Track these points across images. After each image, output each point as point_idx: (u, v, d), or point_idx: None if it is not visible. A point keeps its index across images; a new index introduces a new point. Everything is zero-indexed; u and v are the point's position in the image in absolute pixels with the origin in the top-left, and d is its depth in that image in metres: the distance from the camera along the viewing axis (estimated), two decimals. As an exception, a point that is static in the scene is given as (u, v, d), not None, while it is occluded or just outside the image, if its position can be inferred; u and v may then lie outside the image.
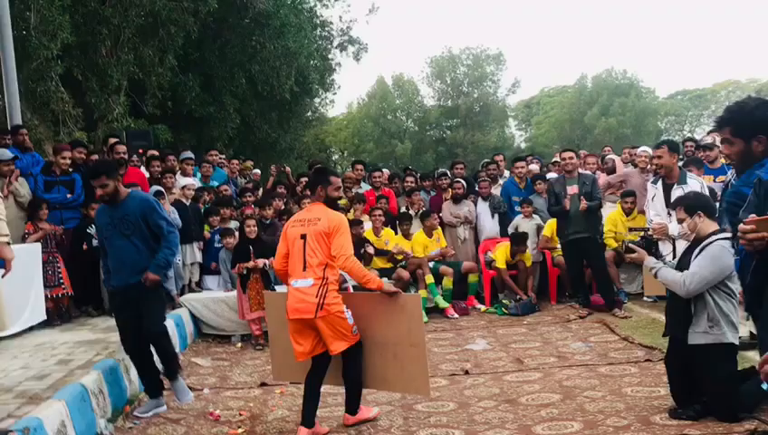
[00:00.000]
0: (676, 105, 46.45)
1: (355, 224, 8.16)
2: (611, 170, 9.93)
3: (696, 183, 6.19)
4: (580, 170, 8.41)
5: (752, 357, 4.68)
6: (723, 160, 7.71)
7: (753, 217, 2.49)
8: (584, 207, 7.50)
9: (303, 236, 4.36)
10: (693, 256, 4.01)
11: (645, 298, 8.02)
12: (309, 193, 5.35)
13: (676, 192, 5.93)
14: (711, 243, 3.95)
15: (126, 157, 8.27)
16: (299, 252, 4.37)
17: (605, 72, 40.65)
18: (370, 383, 4.63)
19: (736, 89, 46.19)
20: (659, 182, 6.44)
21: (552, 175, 9.46)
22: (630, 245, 4.53)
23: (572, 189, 7.82)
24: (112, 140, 8.80)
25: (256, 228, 7.61)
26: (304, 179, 9.70)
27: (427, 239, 8.54)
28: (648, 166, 8.61)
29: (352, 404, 4.54)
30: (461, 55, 37.55)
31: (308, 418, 4.33)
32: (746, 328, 5.07)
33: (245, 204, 8.66)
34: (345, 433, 4.45)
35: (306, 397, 4.39)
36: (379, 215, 8.60)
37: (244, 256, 7.45)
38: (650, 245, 4.40)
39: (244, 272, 7.36)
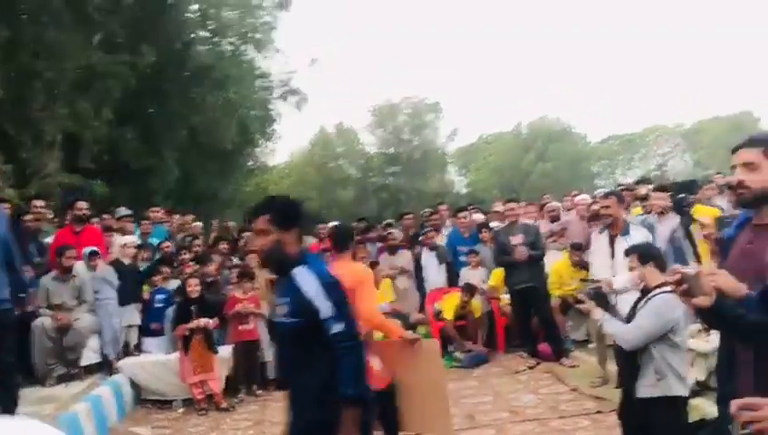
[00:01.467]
0: (608, 150, 48.13)
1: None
2: (556, 218, 10.09)
3: (639, 235, 6.08)
4: (523, 220, 8.54)
5: (698, 405, 4.73)
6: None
7: (677, 267, 2.51)
8: (523, 256, 7.62)
9: None
10: (639, 309, 4.05)
11: (590, 346, 8.11)
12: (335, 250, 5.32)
13: (620, 244, 5.93)
14: (655, 295, 4.00)
15: (88, 213, 7.92)
16: None
17: (540, 119, 41.91)
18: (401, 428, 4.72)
19: (663, 133, 48.34)
20: (605, 232, 6.32)
21: (495, 223, 9.57)
22: (581, 296, 4.51)
23: (516, 239, 7.92)
24: (38, 203, 8.22)
25: (199, 287, 7.40)
26: (248, 234, 9.53)
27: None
28: (586, 214, 8.77)
29: None
30: (401, 105, 38.19)
31: None
32: (693, 375, 5.14)
33: (184, 262, 8.39)
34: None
35: None
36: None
37: (186, 316, 7.22)
38: (601, 296, 4.40)
39: (187, 333, 7.12)
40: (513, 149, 40.70)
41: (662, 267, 4.10)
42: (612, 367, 6.22)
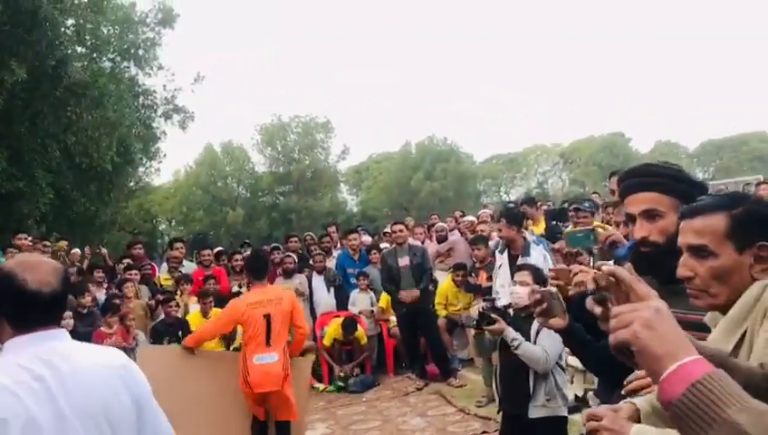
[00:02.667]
0: (492, 169, 50.02)
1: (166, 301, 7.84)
2: (443, 238, 10.28)
3: (539, 255, 6.13)
4: (411, 241, 8.65)
5: (577, 421, 4.92)
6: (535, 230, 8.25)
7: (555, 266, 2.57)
8: (412, 298, 7.78)
9: (267, 316, 5.09)
10: (534, 332, 4.11)
11: (476, 364, 8.30)
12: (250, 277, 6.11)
13: (523, 262, 5.97)
14: None
15: None
16: (262, 330, 5.08)
17: (427, 139, 42.90)
18: None
19: (543, 152, 50.81)
20: (506, 252, 6.35)
21: (384, 245, 9.65)
22: (491, 314, 4.18)
23: (404, 261, 8.01)
24: None
25: (72, 320, 6.94)
26: (127, 261, 9.10)
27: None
28: (469, 235, 9.00)
29: None
30: (290, 123, 37.90)
31: None
32: (572, 392, 5.35)
33: None
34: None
35: None
36: (209, 301, 8.16)
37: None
38: (505, 315, 4.36)
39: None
40: (403, 169, 41.37)
41: None
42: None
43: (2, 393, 1.59)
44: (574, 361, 5.91)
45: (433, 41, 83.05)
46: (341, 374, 8.26)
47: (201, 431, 4.86)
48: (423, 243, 9.49)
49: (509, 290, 5.86)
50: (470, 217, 9.97)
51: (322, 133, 37.97)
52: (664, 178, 2.10)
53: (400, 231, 8.31)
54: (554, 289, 2.39)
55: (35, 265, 1.80)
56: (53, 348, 1.74)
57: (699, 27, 78.35)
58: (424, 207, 33.00)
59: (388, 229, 10.67)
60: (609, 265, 1.30)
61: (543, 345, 4.07)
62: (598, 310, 1.55)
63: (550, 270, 2.54)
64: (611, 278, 1.25)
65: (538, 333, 4.13)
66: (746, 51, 79.95)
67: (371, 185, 44.42)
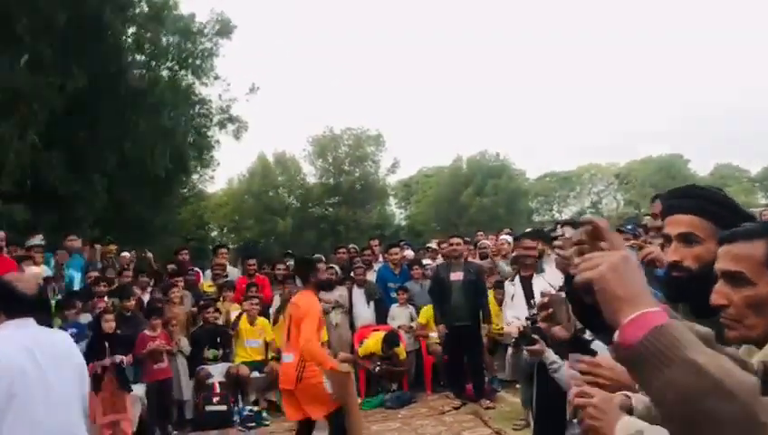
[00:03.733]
0: (545, 186, 49.31)
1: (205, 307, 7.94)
2: (486, 255, 10.12)
3: (554, 271, 5.99)
4: (470, 259, 8.47)
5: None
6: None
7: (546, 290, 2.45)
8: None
9: (290, 317, 5.40)
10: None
11: (517, 386, 8.08)
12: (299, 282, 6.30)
13: (538, 282, 5.80)
14: (591, 341, 3.91)
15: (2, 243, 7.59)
16: (285, 331, 5.44)
17: (479, 154, 42.58)
18: None
19: (598, 172, 49.91)
20: (516, 278, 6.20)
21: (427, 261, 9.56)
22: (531, 334, 3.90)
23: (456, 275, 7.83)
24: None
25: (114, 323, 7.07)
26: (171, 266, 9.26)
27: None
28: (508, 253, 8.75)
29: None
30: (342, 135, 38.17)
31: None
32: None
33: (99, 294, 8.03)
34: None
35: None
36: (255, 304, 8.25)
37: (99, 353, 6.88)
38: (545, 336, 4.14)
39: (98, 371, 6.77)
40: (453, 184, 41.13)
41: None
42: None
43: (5, 354, 2.52)
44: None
45: (490, 56, 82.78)
46: (380, 391, 8.15)
47: None
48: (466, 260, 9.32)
49: (521, 319, 5.68)
50: (507, 236, 9.77)
51: (373, 146, 38.12)
52: (707, 202, 1.95)
53: (457, 244, 8.10)
54: (563, 294, 2.26)
55: (25, 279, 2.94)
56: (29, 328, 2.69)
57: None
58: (473, 223, 32.62)
59: (432, 245, 10.58)
60: (588, 216, 1.34)
61: None
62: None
63: (558, 238, 2.42)
64: (588, 227, 1.29)
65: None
66: (815, 72, 77.09)
67: (420, 199, 44.33)
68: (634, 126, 73.24)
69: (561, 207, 49.32)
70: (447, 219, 37.75)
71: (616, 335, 1.05)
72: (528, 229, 9.08)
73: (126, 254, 11.00)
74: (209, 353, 7.83)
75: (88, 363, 6.69)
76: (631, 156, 50.22)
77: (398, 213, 44.77)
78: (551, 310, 2.22)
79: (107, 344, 6.92)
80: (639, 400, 1.70)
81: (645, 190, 45.60)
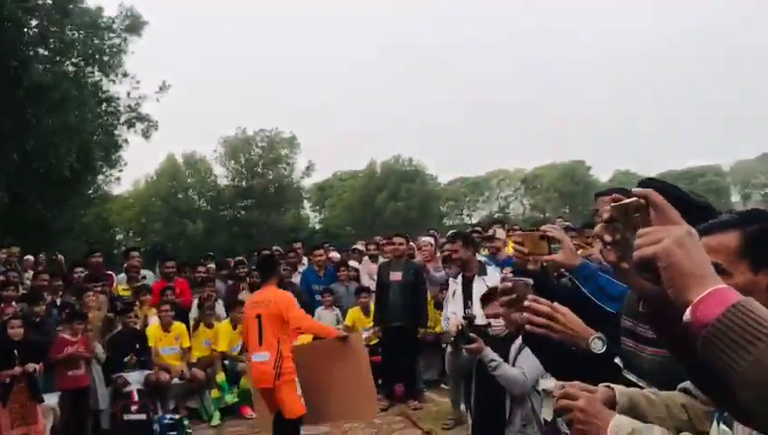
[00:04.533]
0: (456, 191, 50.39)
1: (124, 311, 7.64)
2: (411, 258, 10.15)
3: (496, 274, 6.07)
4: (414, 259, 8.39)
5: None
6: (508, 251, 8.16)
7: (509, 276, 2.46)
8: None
9: (259, 316, 5.34)
10: (513, 353, 3.99)
11: (442, 386, 8.15)
12: (258, 278, 6.48)
13: (478, 284, 5.94)
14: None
15: None
16: (255, 329, 5.36)
17: (393, 159, 42.99)
18: (331, 417, 5.93)
19: (506, 177, 51.43)
20: (459, 277, 6.30)
21: (353, 263, 9.51)
22: (469, 333, 4.02)
23: (396, 276, 7.76)
24: None
25: (22, 329, 6.61)
26: (80, 269, 8.79)
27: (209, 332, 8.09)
28: (429, 256, 8.78)
29: None
30: (255, 137, 37.61)
31: None
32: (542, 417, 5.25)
33: (7, 299, 7.53)
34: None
35: None
36: (167, 310, 7.90)
37: (7, 361, 6.42)
38: (485, 334, 4.15)
39: (6, 381, 6.32)
40: (367, 187, 41.33)
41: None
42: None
43: None
44: (545, 383, 5.85)
45: (402, 59, 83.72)
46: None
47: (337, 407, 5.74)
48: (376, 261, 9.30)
49: (459, 317, 5.79)
50: (428, 238, 9.83)
51: (287, 148, 37.77)
52: (666, 196, 2.04)
53: (399, 244, 7.96)
54: (530, 281, 2.27)
55: None
56: None
57: (672, 59, 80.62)
58: (387, 226, 32.81)
59: (359, 246, 10.55)
60: (642, 190, 1.21)
61: (522, 368, 3.95)
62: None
63: (516, 234, 2.44)
64: (642, 201, 1.19)
65: (517, 355, 4.02)
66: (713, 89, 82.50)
67: (335, 202, 44.28)
68: (540, 132, 75.91)
69: (470, 211, 50.51)
70: (362, 223, 37.86)
71: (687, 313, 0.99)
72: (453, 232, 9.17)
73: (29, 257, 10.39)
74: (128, 360, 7.48)
75: None
76: (537, 162, 51.98)
77: (312, 216, 44.54)
78: (513, 295, 2.20)
79: (15, 352, 6.47)
80: (622, 392, 1.68)
81: (550, 195, 47.44)
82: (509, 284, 2.23)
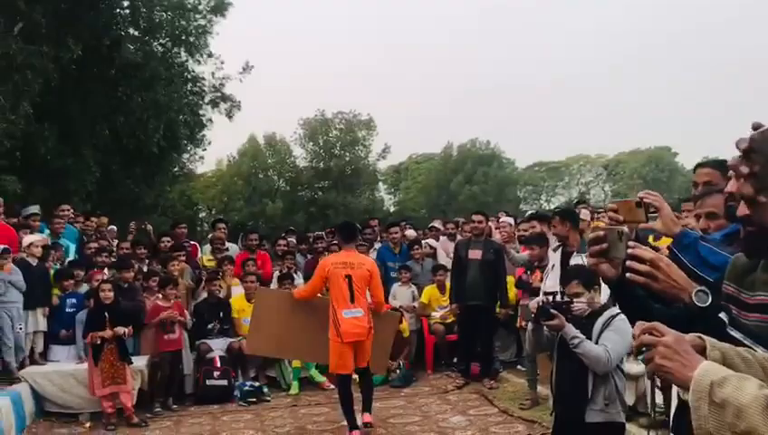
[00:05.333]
0: (534, 176, 49.37)
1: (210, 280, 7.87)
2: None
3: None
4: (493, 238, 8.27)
5: (630, 431, 4.68)
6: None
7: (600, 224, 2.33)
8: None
9: (348, 277, 5.82)
10: (597, 331, 3.88)
11: (519, 367, 8.04)
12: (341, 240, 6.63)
13: (575, 260, 5.65)
14: (614, 317, 3.85)
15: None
16: (345, 289, 5.83)
17: (470, 142, 42.50)
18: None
19: (587, 163, 50.04)
20: (559, 250, 6.10)
21: (429, 241, 9.49)
22: (551, 309, 3.88)
23: (475, 254, 7.71)
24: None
25: (112, 293, 6.92)
26: (167, 239, 9.10)
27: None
28: (508, 236, 8.59)
29: (368, 405, 6.09)
30: (334, 119, 37.89)
31: (369, 406, 6.12)
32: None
33: (97, 265, 7.90)
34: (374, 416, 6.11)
35: (366, 392, 6.11)
36: (252, 280, 8.12)
37: (99, 323, 6.74)
38: (566, 311, 4.05)
39: (98, 342, 6.64)
40: (443, 171, 41.06)
41: (601, 288, 3.97)
42: (543, 389, 6.15)
43: None
44: (627, 367, 5.65)
45: (481, 44, 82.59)
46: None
47: (303, 351, 6.58)
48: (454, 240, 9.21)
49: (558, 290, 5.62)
50: (509, 219, 9.66)
51: (365, 131, 37.86)
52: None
53: (479, 222, 7.86)
54: (626, 229, 2.12)
55: None
56: None
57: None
58: (462, 210, 32.51)
59: (436, 224, 10.57)
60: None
61: (606, 345, 3.83)
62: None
63: (611, 202, 2.31)
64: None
65: (601, 333, 3.90)
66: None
67: (410, 185, 44.23)
68: (624, 118, 73.40)
69: (549, 196, 49.44)
70: (437, 206, 37.69)
71: None
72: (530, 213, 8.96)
73: (113, 227, 10.80)
74: (212, 327, 7.74)
75: (86, 334, 6.60)
76: (620, 147, 50.29)
77: (387, 199, 44.65)
78: (605, 245, 2.03)
79: (106, 315, 6.79)
80: (714, 344, 1.51)
81: (633, 182, 45.84)
82: (600, 232, 2.08)
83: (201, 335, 7.70)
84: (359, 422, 5.89)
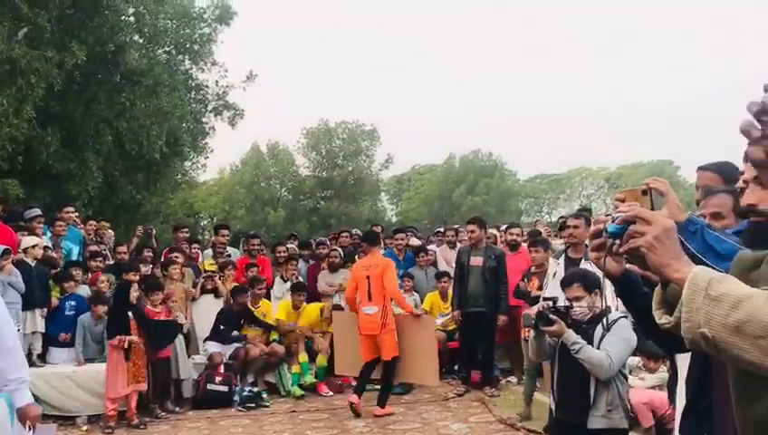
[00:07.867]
0: (535, 188, 49.40)
1: (239, 292, 7.91)
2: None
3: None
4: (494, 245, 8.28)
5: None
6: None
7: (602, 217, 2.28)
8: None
9: (368, 277, 6.68)
10: (598, 336, 3.83)
11: (510, 379, 7.99)
12: (366, 246, 7.59)
13: (585, 266, 5.58)
14: (616, 321, 3.82)
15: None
16: (365, 288, 6.70)
17: (472, 154, 42.54)
18: (401, 378, 7.08)
19: (588, 175, 50.02)
20: (562, 257, 5.93)
21: (432, 247, 9.48)
22: (550, 315, 3.85)
23: (476, 261, 7.69)
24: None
25: (137, 293, 6.97)
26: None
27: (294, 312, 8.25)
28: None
29: (383, 401, 6.74)
30: (337, 129, 37.93)
31: (359, 390, 6.81)
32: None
33: (97, 268, 7.89)
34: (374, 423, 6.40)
35: (361, 378, 6.85)
36: (260, 288, 8.13)
37: (122, 324, 6.75)
38: (566, 317, 4.01)
39: (126, 346, 6.65)
40: (445, 181, 41.09)
41: (602, 292, 3.93)
42: (542, 398, 6.07)
43: None
44: (632, 381, 5.58)
45: (485, 56, 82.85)
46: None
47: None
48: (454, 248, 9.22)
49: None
50: (517, 229, 9.61)
51: (367, 141, 37.90)
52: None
53: (471, 231, 7.91)
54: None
55: None
56: None
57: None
58: (464, 221, 32.54)
59: (441, 229, 10.59)
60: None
61: (607, 350, 3.79)
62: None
63: (618, 191, 2.27)
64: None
65: (602, 338, 3.86)
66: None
67: (412, 196, 44.24)
68: (626, 131, 73.48)
69: (550, 208, 49.40)
70: (439, 216, 37.68)
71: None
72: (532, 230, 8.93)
73: (111, 232, 10.75)
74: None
75: (111, 335, 6.58)
76: (621, 160, 50.27)
77: (389, 209, 44.63)
78: (602, 240, 1.98)
79: (130, 314, 6.84)
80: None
81: (635, 195, 45.71)
82: (600, 225, 2.03)
83: (220, 340, 7.72)
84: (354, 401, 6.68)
